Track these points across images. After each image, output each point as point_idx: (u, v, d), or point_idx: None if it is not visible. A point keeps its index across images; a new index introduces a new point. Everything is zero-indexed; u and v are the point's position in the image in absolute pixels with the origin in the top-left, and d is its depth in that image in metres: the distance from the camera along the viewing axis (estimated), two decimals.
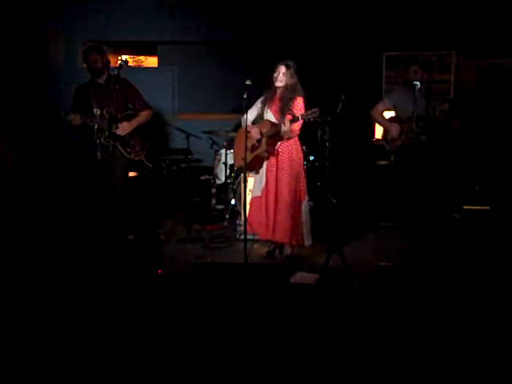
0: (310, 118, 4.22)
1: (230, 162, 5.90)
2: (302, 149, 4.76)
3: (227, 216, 5.90)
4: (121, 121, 4.69)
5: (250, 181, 4.97)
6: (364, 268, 4.29)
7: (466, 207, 5.68)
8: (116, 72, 4.60)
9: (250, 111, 4.58)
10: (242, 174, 4.73)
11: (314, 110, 4.18)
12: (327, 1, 6.86)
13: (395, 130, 4.71)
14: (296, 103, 4.44)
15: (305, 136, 4.82)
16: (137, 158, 4.84)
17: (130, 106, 4.82)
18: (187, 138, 5.54)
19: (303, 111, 4.36)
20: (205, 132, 6.25)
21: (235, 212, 5.73)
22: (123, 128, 4.67)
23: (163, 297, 3.77)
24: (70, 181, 5.96)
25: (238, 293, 3.68)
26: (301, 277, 4.16)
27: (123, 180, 4.83)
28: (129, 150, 4.76)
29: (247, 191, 4.67)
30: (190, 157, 5.72)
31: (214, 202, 6.31)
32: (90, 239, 4.81)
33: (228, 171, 6.01)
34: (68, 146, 6.04)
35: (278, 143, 4.55)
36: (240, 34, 7.10)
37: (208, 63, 7.36)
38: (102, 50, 4.77)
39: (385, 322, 3.34)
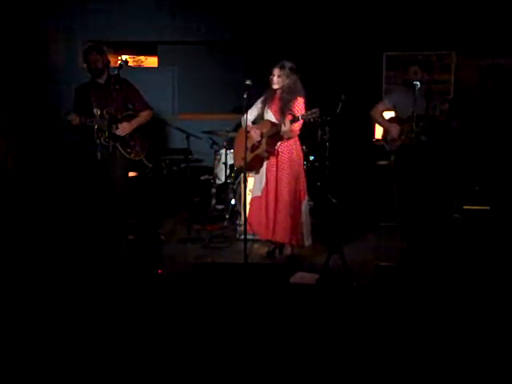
0: (310, 118, 4.22)
1: (230, 161, 5.90)
2: (302, 149, 4.76)
3: (227, 216, 5.90)
4: (121, 121, 4.69)
5: (250, 181, 4.97)
6: (364, 268, 4.29)
7: (465, 207, 5.68)
8: (116, 72, 4.60)
9: (250, 111, 4.58)
10: (242, 174, 4.73)
11: (313, 110, 4.18)
12: (327, 1, 6.86)
13: (395, 130, 4.71)
14: (296, 103, 4.44)
15: (305, 136, 4.82)
16: (137, 158, 4.84)
17: (130, 106, 4.82)
18: (187, 138, 5.54)
19: (303, 111, 4.37)
20: (205, 132, 6.25)
21: (235, 212, 5.73)
22: (123, 128, 4.67)
23: (163, 297, 3.77)
24: (69, 181, 5.96)
25: (238, 293, 3.68)
26: (301, 277, 4.16)
27: (123, 180, 4.83)
28: (129, 150, 4.76)
29: (247, 191, 4.67)
30: (190, 157, 5.72)
31: (213, 202, 6.31)
32: (90, 239, 4.81)
33: (228, 171, 6.01)
34: (68, 145, 6.04)
35: (278, 143, 4.55)
36: (240, 34, 7.10)
37: (208, 63, 7.37)
38: (102, 50, 4.77)
39: (385, 322, 3.34)
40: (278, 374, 2.76)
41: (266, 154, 4.56)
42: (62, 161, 6.17)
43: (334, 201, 5.84)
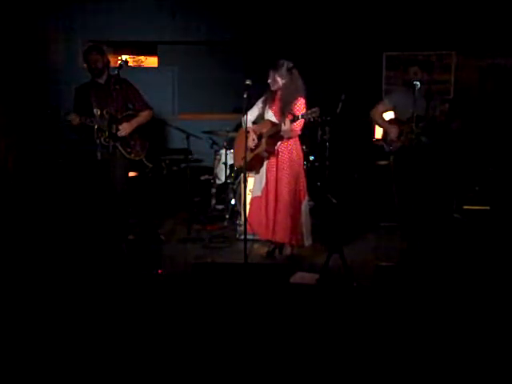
0: (310, 118, 4.22)
1: (230, 161, 5.90)
2: (302, 149, 4.76)
3: (227, 216, 5.90)
4: (121, 121, 4.69)
5: (250, 181, 4.97)
6: (364, 268, 4.29)
7: (465, 207, 5.68)
8: (116, 72, 4.60)
9: (250, 111, 4.58)
10: (242, 174, 4.72)
11: (313, 109, 4.18)
12: (327, 1, 6.86)
13: (394, 132, 4.70)
14: (296, 103, 4.43)
15: (305, 136, 4.82)
16: (137, 158, 4.84)
17: (130, 106, 4.83)
18: (187, 138, 5.54)
19: (303, 111, 4.36)
20: (205, 132, 6.25)
21: (235, 212, 5.73)
22: (123, 129, 4.67)
23: (163, 297, 3.77)
24: (70, 181, 5.96)
25: (238, 293, 3.68)
26: (301, 277, 4.16)
27: (123, 180, 4.83)
28: (129, 150, 4.76)
29: (247, 191, 4.67)
30: (190, 157, 5.72)
31: (213, 201, 6.31)
32: (90, 239, 4.81)
33: (228, 171, 6.01)
34: (68, 146, 6.04)
35: (278, 143, 4.55)
36: (240, 34, 7.10)
37: (208, 63, 7.37)
38: (102, 50, 4.77)
39: (385, 322, 3.34)
40: (279, 374, 2.76)
41: (265, 154, 4.56)
42: (61, 161, 6.18)
43: (334, 201, 5.84)
